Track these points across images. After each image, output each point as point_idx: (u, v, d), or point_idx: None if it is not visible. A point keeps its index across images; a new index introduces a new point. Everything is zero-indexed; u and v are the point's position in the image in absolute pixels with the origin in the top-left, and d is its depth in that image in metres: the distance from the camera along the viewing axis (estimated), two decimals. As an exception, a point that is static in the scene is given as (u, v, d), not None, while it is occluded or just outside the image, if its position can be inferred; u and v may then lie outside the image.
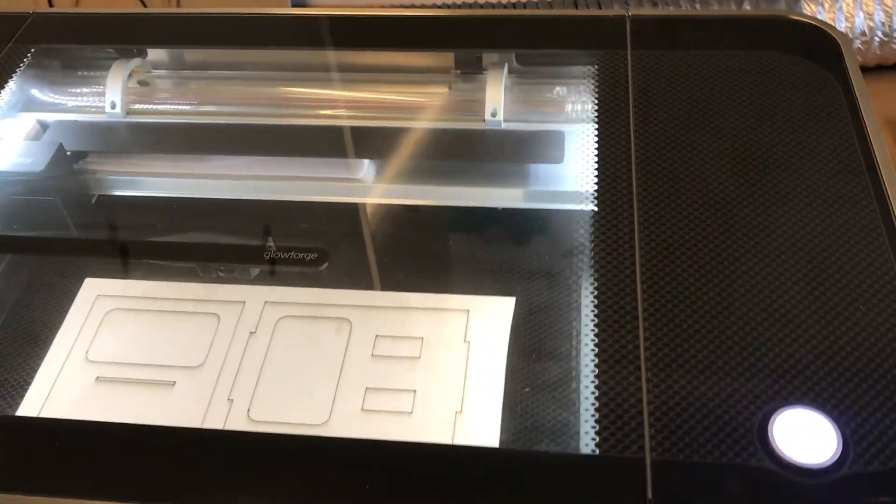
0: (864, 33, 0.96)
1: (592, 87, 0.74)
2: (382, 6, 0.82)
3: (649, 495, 0.46)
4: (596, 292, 0.56)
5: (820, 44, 0.72)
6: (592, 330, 0.55)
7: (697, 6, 0.93)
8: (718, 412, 0.49)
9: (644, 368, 0.52)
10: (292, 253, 0.63)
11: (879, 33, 0.96)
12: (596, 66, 0.74)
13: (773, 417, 0.48)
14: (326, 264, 0.65)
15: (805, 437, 0.48)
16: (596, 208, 0.62)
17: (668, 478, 0.47)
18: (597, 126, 0.69)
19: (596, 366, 0.52)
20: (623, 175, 0.64)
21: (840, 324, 0.53)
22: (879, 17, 0.95)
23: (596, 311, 0.55)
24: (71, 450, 0.54)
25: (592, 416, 0.50)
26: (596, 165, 0.65)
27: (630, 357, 0.52)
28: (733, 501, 0.46)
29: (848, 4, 0.95)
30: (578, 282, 0.72)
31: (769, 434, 0.48)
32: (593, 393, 0.51)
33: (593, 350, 0.53)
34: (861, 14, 0.95)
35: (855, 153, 0.63)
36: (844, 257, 0.56)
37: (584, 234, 0.66)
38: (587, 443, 0.49)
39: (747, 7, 0.92)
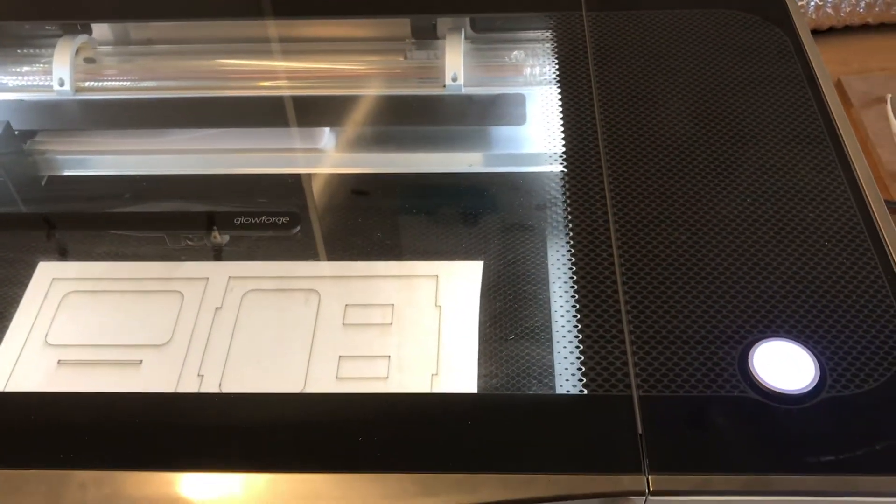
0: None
1: (550, 49, 0.75)
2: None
3: (640, 430, 0.46)
4: (571, 242, 0.57)
5: (768, 1, 0.74)
6: (571, 278, 0.55)
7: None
8: (699, 348, 0.50)
9: (624, 311, 0.52)
10: (263, 217, 0.62)
11: (815, -2, 0.99)
12: (552, 29, 0.75)
13: (752, 350, 0.50)
14: (299, 227, 0.64)
15: (784, 366, 0.49)
16: (564, 165, 0.63)
17: (656, 412, 0.47)
18: (558, 87, 0.70)
19: (577, 311, 0.53)
20: (588, 132, 0.64)
21: (808, 259, 0.54)
22: (816, -19, 0.98)
23: (573, 259, 0.56)
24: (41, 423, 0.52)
25: (578, 358, 0.50)
26: (561, 125, 0.65)
27: (610, 301, 0.53)
28: (721, 430, 0.47)
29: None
30: (547, 239, 0.73)
31: (750, 365, 0.49)
32: (577, 337, 0.51)
33: (573, 297, 0.54)
34: (798, -21, 0.98)
35: (807, 97, 0.65)
36: (807, 196, 0.58)
37: (552, 190, 0.67)
38: (574, 384, 0.49)
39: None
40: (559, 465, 0.46)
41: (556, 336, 0.62)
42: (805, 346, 0.50)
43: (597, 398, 0.48)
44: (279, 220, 0.62)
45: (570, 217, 0.59)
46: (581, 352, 0.51)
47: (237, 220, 0.62)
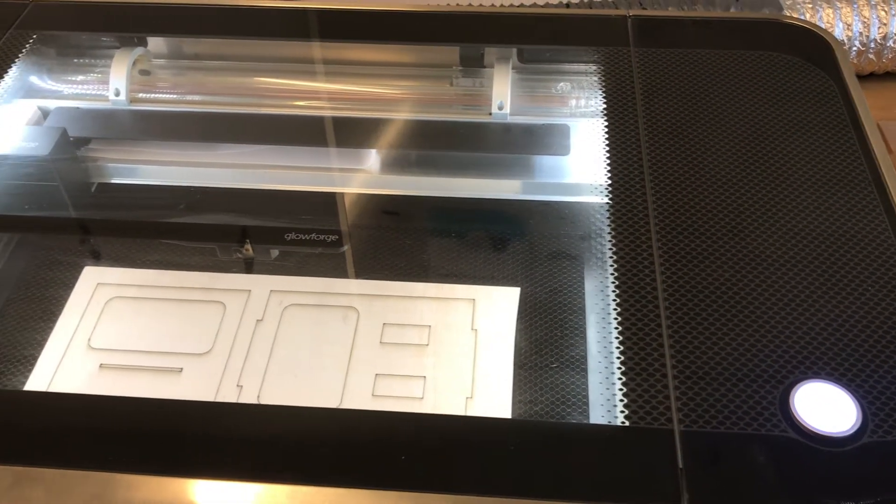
0: (843, 43, 0.99)
1: (596, 82, 0.76)
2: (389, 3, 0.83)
3: (680, 464, 0.47)
4: (615, 274, 0.58)
5: (813, 45, 0.75)
6: (613, 310, 0.56)
7: (685, 7, 0.96)
8: (741, 385, 0.51)
9: (667, 345, 0.53)
10: (312, 234, 0.63)
11: (857, 43, 1.00)
12: (599, 63, 0.76)
13: (794, 389, 0.50)
14: (347, 246, 0.65)
15: (825, 408, 0.49)
16: (608, 197, 0.64)
17: (697, 447, 0.48)
18: (603, 120, 0.71)
19: (619, 343, 0.53)
20: (634, 166, 0.65)
21: (851, 302, 0.55)
22: (857, 27, 0.99)
23: (616, 291, 0.56)
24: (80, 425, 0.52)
25: (620, 390, 0.51)
26: (606, 157, 0.66)
27: (653, 335, 0.53)
28: (761, 469, 0.47)
29: (828, 14, 0.99)
30: (586, 269, 0.73)
31: (791, 405, 0.49)
32: (619, 368, 0.52)
33: (616, 328, 0.54)
34: (840, 24, 0.99)
35: (851, 140, 0.66)
36: (850, 238, 0.59)
37: (595, 221, 0.68)
38: (615, 415, 0.50)
39: (732, 10, 0.95)
40: (598, 495, 0.46)
41: (595, 366, 0.63)
42: (847, 388, 0.50)
43: (637, 430, 0.49)
44: (328, 237, 0.63)
45: (613, 249, 0.59)
46: (624, 384, 0.51)
47: (287, 236, 0.63)
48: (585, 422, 0.52)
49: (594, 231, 0.69)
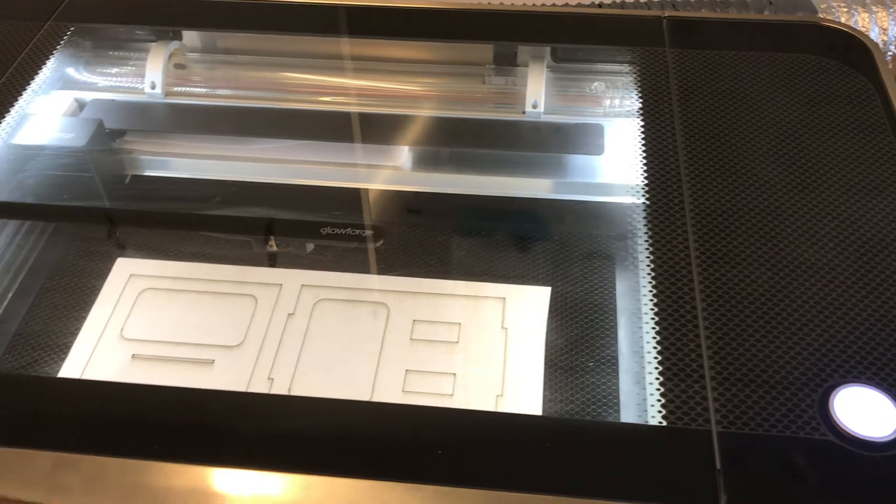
0: (878, 46, 0.98)
1: (631, 83, 0.76)
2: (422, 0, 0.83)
3: (718, 465, 0.47)
4: (651, 275, 0.57)
5: (851, 48, 0.75)
6: (650, 311, 0.55)
7: (717, 10, 0.96)
8: (780, 388, 0.50)
9: (704, 346, 0.52)
10: (347, 229, 0.63)
11: (892, 47, 0.99)
12: (634, 63, 0.76)
13: (833, 393, 0.49)
14: (382, 241, 0.65)
15: (865, 412, 0.49)
16: (644, 198, 0.63)
17: (734, 449, 0.47)
18: (638, 120, 0.71)
19: (656, 343, 0.53)
20: (670, 167, 0.65)
21: (892, 305, 0.54)
22: (894, 31, 0.98)
23: (653, 292, 0.56)
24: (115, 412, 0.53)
25: (658, 390, 0.51)
26: (641, 158, 0.66)
27: (690, 335, 0.53)
28: (800, 472, 0.46)
29: (864, 18, 0.98)
30: (619, 269, 0.73)
31: (830, 409, 0.49)
32: (656, 368, 0.52)
33: (653, 329, 0.54)
34: (876, 28, 0.98)
35: (891, 144, 0.65)
36: (891, 243, 0.58)
37: (630, 222, 0.67)
38: (652, 416, 0.50)
39: (766, 13, 0.95)
40: (635, 495, 0.46)
41: (630, 366, 0.63)
42: (887, 393, 0.50)
43: (675, 431, 0.49)
44: (363, 232, 0.63)
45: (649, 250, 0.59)
46: (661, 384, 0.51)
47: (323, 230, 0.63)
48: (621, 421, 0.52)
49: (628, 232, 0.69)
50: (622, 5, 0.95)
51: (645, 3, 0.95)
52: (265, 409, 0.54)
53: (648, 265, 0.59)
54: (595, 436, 0.50)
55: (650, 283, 0.57)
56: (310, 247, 0.68)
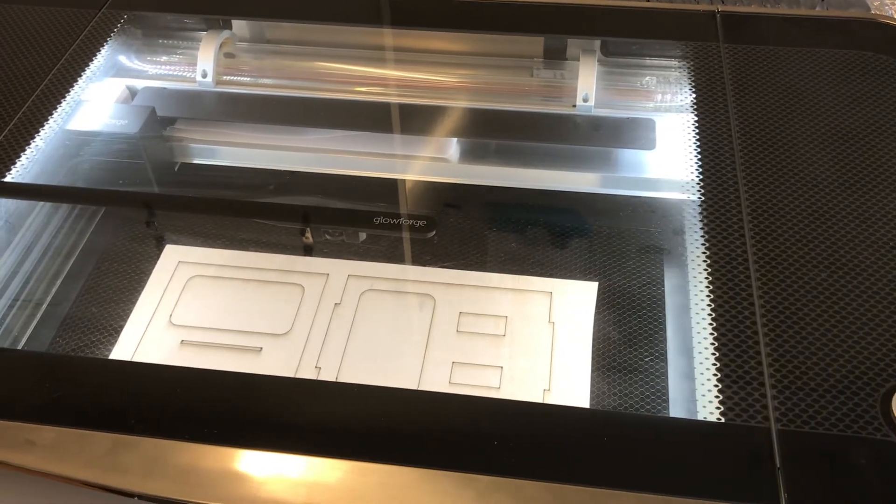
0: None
1: (684, 77, 0.75)
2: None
3: (778, 463, 0.46)
4: (708, 272, 0.57)
5: (910, 45, 0.73)
6: (705, 307, 0.55)
7: (767, 5, 0.94)
8: (840, 387, 0.49)
9: (762, 343, 0.52)
10: (401, 219, 0.63)
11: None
12: (686, 58, 0.75)
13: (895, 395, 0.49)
14: (435, 232, 0.65)
15: (928, 414, 0.48)
16: (698, 194, 0.63)
17: (794, 447, 0.47)
18: (691, 115, 0.70)
19: (714, 339, 0.53)
20: (725, 164, 0.64)
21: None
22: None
23: (709, 289, 0.56)
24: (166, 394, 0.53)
25: (716, 385, 0.50)
26: (695, 154, 0.65)
27: (748, 332, 0.53)
28: (861, 472, 0.46)
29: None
30: (668, 265, 0.72)
31: (893, 410, 0.48)
32: (714, 365, 0.51)
33: (710, 325, 0.53)
34: (930, 27, 0.96)
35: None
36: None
37: (683, 218, 0.67)
38: (711, 412, 0.49)
39: (818, 9, 0.93)
40: (694, 490, 0.45)
41: (678, 363, 0.62)
42: (951, 395, 0.49)
43: (733, 427, 0.48)
44: (417, 222, 0.63)
45: (705, 247, 0.58)
46: (719, 380, 0.50)
47: (377, 220, 0.63)
48: (678, 417, 0.52)
49: (680, 228, 0.68)
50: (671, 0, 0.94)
51: (694, -2, 0.94)
52: (318, 395, 0.55)
53: (705, 263, 0.58)
54: (654, 431, 0.50)
55: (707, 280, 0.57)
56: (362, 236, 0.68)
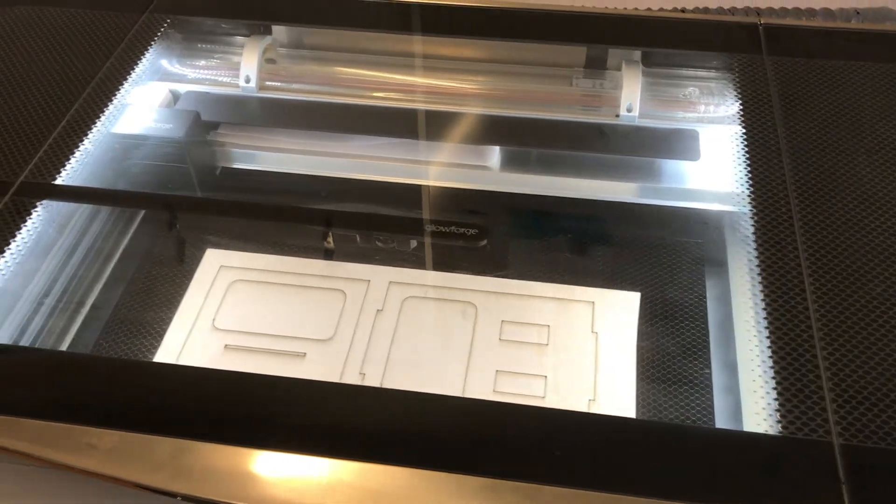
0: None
1: (727, 89, 0.75)
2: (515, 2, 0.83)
3: (842, 477, 0.46)
4: (762, 285, 0.57)
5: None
6: (765, 319, 0.55)
7: (803, 18, 0.94)
8: (901, 402, 0.49)
9: (820, 357, 0.52)
10: (452, 228, 0.63)
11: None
12: (729, 70, 0.75)
13: (958, 410, 0.48)
14: (486, 241, 0.65)
15: None
16: (747, 206, 0.63)
17: (857, 461, 0.47)
18: (735, 127, 0.70)
19: (773, 353, 0.52)
20: (773, 176, 0.64)
21: None
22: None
23: (764, 302, 0.55)
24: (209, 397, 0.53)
25: (776, 399, 0.50)
26: (743, 166, 0.65)
27: (805, 346, 0.52)
28: (926, 489, 0.46)
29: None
30: (709, 277, 0.72)
31: (955, 426, 0.48)
32: (772, 377, 0.51)
33: (766, 338, 0.53)
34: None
35: None
36: None
37: (730, 230, 0.67)
38: (770, 425, 0.49)
39: (853, 22, 0.93)
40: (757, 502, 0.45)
41: (723, 376, 0.62)
42: None
43: (794, 441, 0.48)
44: (468, 231, 0.63)
45: (755, 258, 0.58)
46: (779, 393, 0.50)
47: (429, 228, 0.63)
48: (739, 429, 0.52)
49: (728, 239, 0.68)
50: (705, 11, 0.94)
51: (729, 9, 0.94)
52: (371, 402, 0.54)
53: (756, 274, 0.58)
54: (707, 443, 0.50)
55: (760, 292, 0.56)
56: (412, 243, 0.68)
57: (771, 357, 0.52)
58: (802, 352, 0.52)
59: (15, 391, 0.51)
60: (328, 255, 0.74)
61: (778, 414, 0.49)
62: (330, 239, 0.72)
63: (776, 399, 0.50)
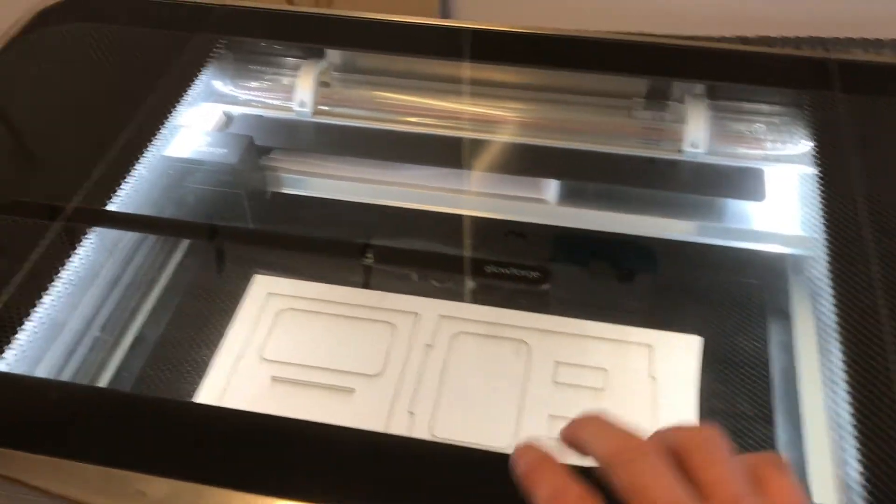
0: None
1: (796, 126, 0.72)
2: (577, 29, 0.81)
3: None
4: (839, 334, 0.54)
5: None
6: (844, 371, 0.52)
7: (870, 50, 0.91)
8: None
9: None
10: (513, 269, 0.61)
11: None
12: (798, 106, 0.72)
13: None
14: (548, 284, 0.63)
15: None
16: (821, 250, 0.60)
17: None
18: (804, 167, 0.67)
19: (854, 410, 0.50)
20: (846, 219, 0.61)
21: None
22: None
23: (843, 352, 0.53)
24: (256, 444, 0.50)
25: (860, 461, 0.47)
26: (818, 208, 0.63)
27: (887, 402, 0.50)
28: None
29: None
30: (773, 322, 0.70)
31: None
32: (856, 435, 0.48)
33: (846, 390, 0.51)
34: None
35: None
36: None
37: (802, 275, 0.64)
38: (852, 488, 0.46)
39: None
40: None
41: (789, 429, 0.59)
42: None
43: (876, 509, 0.45)
44: (530, 273, 0.61)
45: (836, 308, 0.56)
46: (863, 454, 0.47)
47: (488, 269, 0.61)
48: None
49: (794, 284, 0.66)
50: (769, 42, 0.92)
51: (793, 38, 0.91)
52: (414, 455, 0.51)
53: (831, 324, 0.55)
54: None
55: (836, 343, 0.54)
56: (470, 283, 0.66)
57: (853, 414, 0.49)
58: (884, 406, 0.49)
59: (70, 430, 0.50)
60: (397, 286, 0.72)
61: (862, 477, 0.46)
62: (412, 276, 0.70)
63: (860, 461, 0.47)
